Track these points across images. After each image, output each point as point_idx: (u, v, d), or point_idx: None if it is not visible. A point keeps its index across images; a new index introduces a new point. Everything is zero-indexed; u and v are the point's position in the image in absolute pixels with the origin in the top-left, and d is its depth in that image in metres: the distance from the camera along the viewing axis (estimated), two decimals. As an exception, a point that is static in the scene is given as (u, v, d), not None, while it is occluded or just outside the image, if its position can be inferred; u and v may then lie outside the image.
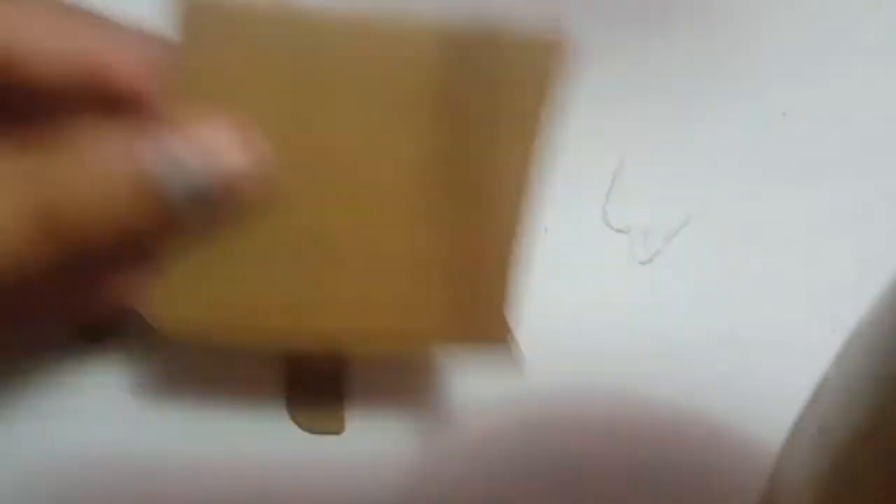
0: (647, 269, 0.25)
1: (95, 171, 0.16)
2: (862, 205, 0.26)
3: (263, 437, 0.22)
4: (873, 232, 0.23)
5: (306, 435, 0.22)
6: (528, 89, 0.18)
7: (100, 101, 0.17)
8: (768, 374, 0.23)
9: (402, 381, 0.23)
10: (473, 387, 0.23)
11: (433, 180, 0.18)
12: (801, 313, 0.24)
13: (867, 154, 0.26)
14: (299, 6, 0.17)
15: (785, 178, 0.25)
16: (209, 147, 0.17)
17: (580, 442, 0.23)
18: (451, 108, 0.18)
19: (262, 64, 0.17)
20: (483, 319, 0.19)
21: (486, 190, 0.18)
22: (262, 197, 0.18)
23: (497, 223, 0.19)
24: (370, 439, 0.22)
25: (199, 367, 0.22)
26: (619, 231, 0.25)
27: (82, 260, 0.16)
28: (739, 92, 0.27)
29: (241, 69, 0.17)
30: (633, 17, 0.27)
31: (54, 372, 0.22)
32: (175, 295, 0.18)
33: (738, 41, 0.27)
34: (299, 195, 0.18)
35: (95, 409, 0.22)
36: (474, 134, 0.18)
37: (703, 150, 0.26)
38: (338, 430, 0.22)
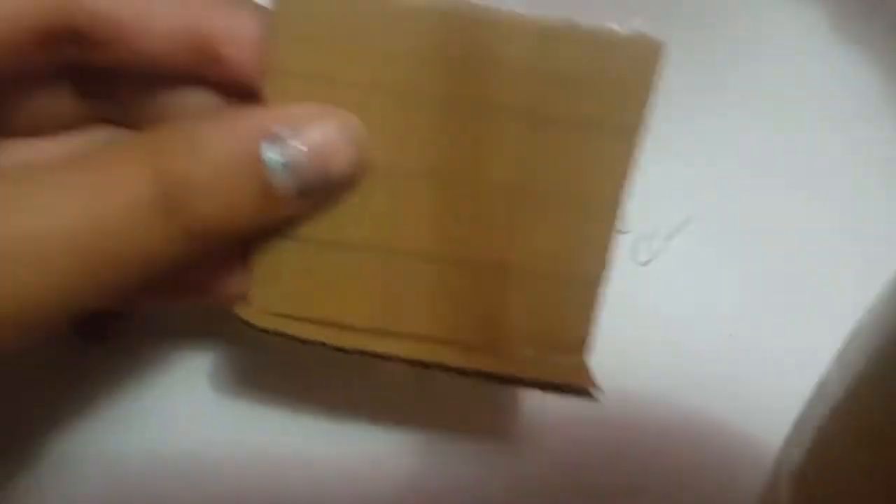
0: (647, 270, 0.25)
1: (218, 160, 0.16)
2: (862, 205, 0.26)
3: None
4: (873, 232, 0.23)
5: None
6: (623, 93, 0.17)
7: (202, 78, 0.17)
8: (769, 375, 0.23)
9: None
10: (472, 386, 0.23)
11: (521, 179, 0.18)
12: (801, 313, 0.24)
13: (867, 154, 0.26)
14: None
15: (785, 178, 0.25)
16: (323, 145, 0.16)
17: (578, 442, 0.23)
18: (546, 102, 0.17)
19: (355, 46, 0.17)
20: (565, 360, 0.19)
21: (578, 193, 0.18)
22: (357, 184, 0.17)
23: (588, 228, 0.18)
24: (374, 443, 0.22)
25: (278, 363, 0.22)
26: (620, 232, 0.25)
27: (201, 251, 0.16)
28: (741, 92, 0.27)
29: (335, 49, 0.17)
30: (635, 14, 0.27)
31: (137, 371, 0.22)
32: (268, 289, 0.18)
33: (738, 40, 0.27)
34: (387, 183, 0.18)
35: (177, 408, 0.22)
36: (566, 138, 0.18)
37: (705, 151, 0.26)
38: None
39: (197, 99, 0.17)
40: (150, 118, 0.18)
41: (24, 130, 0.18)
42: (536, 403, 0.23)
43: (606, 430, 0.23)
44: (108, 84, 0.17)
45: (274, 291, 0.18)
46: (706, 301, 0.24)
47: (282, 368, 0.23)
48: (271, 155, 0.16)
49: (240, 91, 0.17)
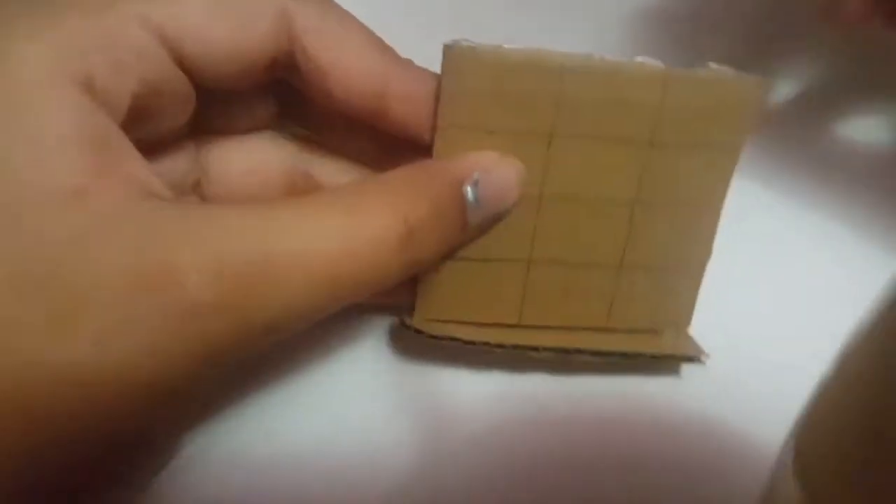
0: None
1: (440, 203, 0.19)
2: (862, 206, 0.26)
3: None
4: (873, 232, 0.23)
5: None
6: (730, 120, 0.21)
7: (365, 121, 0.20)
8: (769, 375, 0.23)
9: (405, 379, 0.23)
10: (471, 385, 0.23)
11: (642, 194, 0.21)
12: (801, 313, 0.24)
13: (867, 154, 0.26)
14: (543, 51, 0.20)
15: (785, 178, 0.25)
16: (503, 187, 0.20)
17: (578, 442, 0.23)
18: (664, 132, 0.21)
19: (508, 100, 0.20)
20: (673, 333, 0.23)
21: (688, 199, 0.22)
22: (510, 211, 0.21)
23: (692, 237, 0.22)
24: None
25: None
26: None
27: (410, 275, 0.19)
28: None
29: (494, 104, 0.20)
30: (637, 16, 0.27)
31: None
32: (431, 301, 0.22)
33: (738, 40, 0.27)
34: (531, 208, 0.21)
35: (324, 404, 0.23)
36: (681, 159, 0.21)
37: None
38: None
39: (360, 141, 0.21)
40: (318, 129, 0.22)
41: (224, 130, 0.21)
42: (533, 406, 0.23)
43: (606, 430, 0.23)
44: (297, 102, 0.20)
45: (437, 302, 0.22)
46: (705, 301, 0.24)
47: (281, 368, 0.23)
48: (470, 195, 0.19)
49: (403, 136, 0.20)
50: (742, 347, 0.24)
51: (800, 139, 0.26)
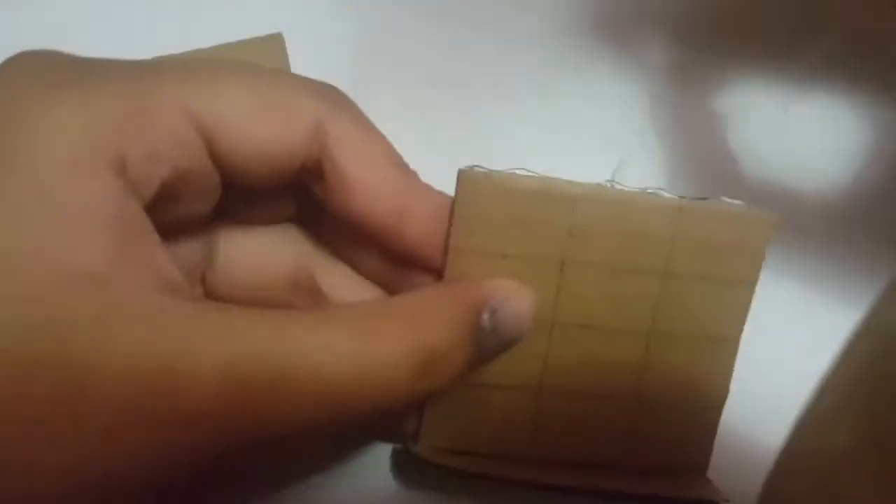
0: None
1: (455, 331, 0.18)
2: (861, 206, 0.26)
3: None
4: (872, 233, 0.23)
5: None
6: (743, 255, 0.21)
7: (379, 241, 0.20)
8: (768, 375, 0.23)
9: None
10: None
11: (657, 325, 0.21)
12: (800, 314, 0.24)
13: (866, 154, 0.26)
14: (557, 180, 0.20)
15: (784, 178, 0.25)
16: (519, 316, 0.20)
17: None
18: (678, 263, 0.21)
19: (521, 226, 0.20)
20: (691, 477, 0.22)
21: (704, 334, 0.21)
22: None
23: (709, 372, 0.22)
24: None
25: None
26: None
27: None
28: (739, 90, 0.27)
29: (507, 229, 0.20)
30: (637, 20, 0.27)
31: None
32: (437, 428, 0.21)
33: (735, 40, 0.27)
34: (542, 334, 0.21)
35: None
36: (696, 291, 0.21)
37: (702, 151, 0.26)
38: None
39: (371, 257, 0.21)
40: (330, 236, 0.22)
41: (239, 219, 0.21)
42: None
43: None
44: (315, 206, 0.20)
45: (444, 429, 0.21)
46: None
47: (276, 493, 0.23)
48: (487, 324, 0.19)
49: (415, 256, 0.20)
50: (741, 346, 0.24)
51: (798, 138, 0.26)
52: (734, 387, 0.22)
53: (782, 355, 0.24)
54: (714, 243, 0.21)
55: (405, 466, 0.23)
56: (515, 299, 0.20)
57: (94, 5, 0.26)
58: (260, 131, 0.18)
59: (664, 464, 0.22)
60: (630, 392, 0.21)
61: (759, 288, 0.24)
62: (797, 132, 0.26)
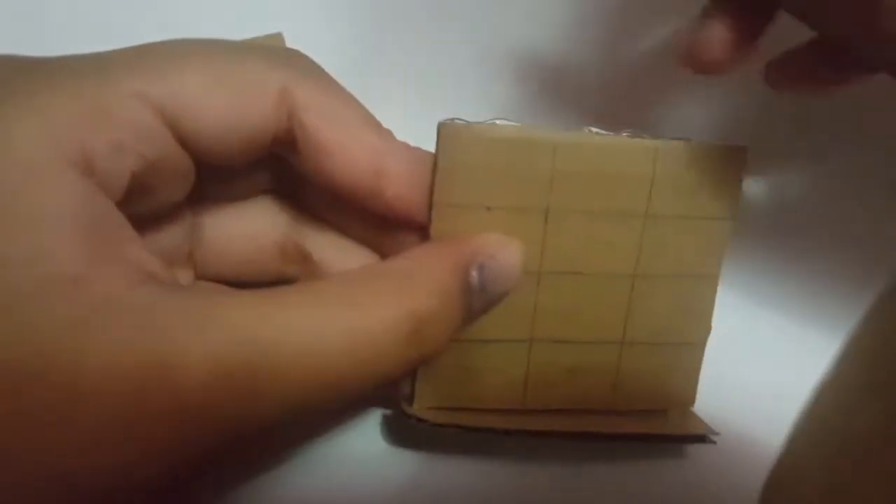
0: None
1: (446, 294, 0.18)
2: (860, 207, 0.26)
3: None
4: (872, 230, 0.23)
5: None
6: (720, 190, 0.21)
7: (359, 202, 0.20)
8: (767, 376, 0.23)
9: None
10: (473, 475, 0.23)
11: (641, 267, 0.21)
12: (799, 315, 0.24)
13: (866, 154, 0.26)
14: (536, 126, 0.20)
15: (784, 177, 0.25)
16: (508, 268, 0.20)
17: (579, 442, 0.23)
18: (658, 204, 0.21)
19: (503, 177, 0.20)
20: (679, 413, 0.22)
21: (684, 273, 0.22)
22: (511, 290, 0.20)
23: (691, 309, 0.22)
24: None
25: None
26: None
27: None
28: (738, 90, 0.27)
29: (489, 180, 0.20)
30: (639, 23, 0.27)
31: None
32: (431, 387, 0.21)
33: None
34: (530, 286, 0.21)
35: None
36: (676, 230, 0.21)
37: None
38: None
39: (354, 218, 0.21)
40: (312, 203, 0.21)
41: (220, 197, 0.21)
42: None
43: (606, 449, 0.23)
44: (293, 175, 0.20)
45: (437, 388, 0.21)
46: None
47: (268, 461, 0.23)
48: (476, 281, 0.19)
49: (397, 217, 0.20)
50: (740, 347, 0.24)
51: (798, 139, 0.26)
52: (734, 388, 0.23)
53: (781, 356, 0.24)
54: (691, 181, 0.21)
55: (396, 430, 0.23)
56: (502, 253, 0.20)
57: (93, 5, 0.26)
58: (223, 109, 0.17)
59: (653, 404, 0.23)
60: (617, 335, 0.22)
61: (756, 289, 0.24)
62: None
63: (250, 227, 0.21)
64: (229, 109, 0.17)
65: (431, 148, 0.20)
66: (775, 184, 0.26)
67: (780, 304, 0.24)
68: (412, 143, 0.20)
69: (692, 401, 0.23)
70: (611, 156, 0.20)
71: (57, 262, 0.15)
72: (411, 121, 0.20)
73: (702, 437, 0.22)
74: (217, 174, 0.19)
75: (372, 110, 0.20)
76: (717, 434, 0.22)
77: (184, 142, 0.17)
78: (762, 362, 0.24)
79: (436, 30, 0.27)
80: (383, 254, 0.21)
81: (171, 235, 0.20)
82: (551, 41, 0.27)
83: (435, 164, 0.20)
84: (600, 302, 0.21)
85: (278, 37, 0.25)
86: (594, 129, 0.20)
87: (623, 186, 0.21)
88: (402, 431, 0.23)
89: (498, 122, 0.20)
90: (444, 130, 0.19)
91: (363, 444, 0.23)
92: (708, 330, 0.22)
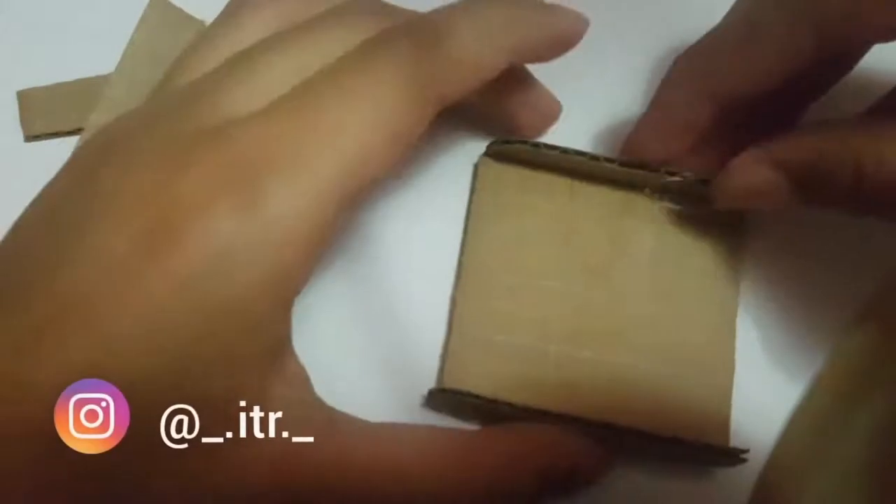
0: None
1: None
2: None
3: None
4: (870, 228, 0.23)
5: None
6: (728, 248, 0.24)
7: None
8: (758, 377, 0.23)
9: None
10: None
11: (662, 293, 0.23)
12: (796, 313, 0.24)
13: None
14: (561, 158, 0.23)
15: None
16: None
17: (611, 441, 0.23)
18: (665, 243, 0.24)
19: (533, 209, 0.24)
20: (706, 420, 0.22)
21: (700, 320, 0.23)
22: None
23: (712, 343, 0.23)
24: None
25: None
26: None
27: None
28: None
29: (519, 212, 0.24)
30: (640, 23, 0.27)
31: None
32: (465, 360, 0.22)
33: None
34: (560, 304, 0.23)
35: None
36: (687, 277, 0.23)
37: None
38: None
39: None
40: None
41: None
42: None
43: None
44: None
45: (464, 377, 0.22)
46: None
47: None
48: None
49: None
50: (740, 347, 0.24)
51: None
52: (735, 386, 0.22)
53: (780, 355, 0.23)
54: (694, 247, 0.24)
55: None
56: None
57: (93, 4, 0.27)
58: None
59: (687, 421, 0.22)
60: (648, 351, 0.23)
61: (756, 289, 0.24)
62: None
63: None
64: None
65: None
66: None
67: (776, 304, 0.24)
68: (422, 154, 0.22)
69: (725, 430, 0.22)
70: (626, 204, 0.24)
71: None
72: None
73: (731, 452, 0.21)
74: None
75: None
76: (747, 451, 0.21)
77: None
78: (751, 364, 0.23)
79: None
80: None
81: None
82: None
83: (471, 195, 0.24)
84: (617, 330, 0.23)
85: None
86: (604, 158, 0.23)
87: (635, 235, 0.23)
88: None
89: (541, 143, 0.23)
90: (481, 168, 0.24)
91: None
92: (732, 366, 0.23)
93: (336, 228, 0.18)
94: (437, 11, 0.20)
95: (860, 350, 0.15)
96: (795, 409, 0.15)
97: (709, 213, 0.23)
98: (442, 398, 0.22)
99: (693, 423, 0.22)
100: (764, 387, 0.23)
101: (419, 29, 0.19)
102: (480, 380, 0.22)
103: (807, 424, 0.15)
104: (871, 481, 0.13)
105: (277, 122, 0.17)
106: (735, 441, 0.22)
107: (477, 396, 0.21)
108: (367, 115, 0.18)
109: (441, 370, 0.23)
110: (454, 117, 0.24)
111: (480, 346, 0.22)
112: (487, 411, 0.22)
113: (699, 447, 0.21)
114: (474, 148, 0.25)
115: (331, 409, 0.20)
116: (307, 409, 0.19)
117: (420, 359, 0.23)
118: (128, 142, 0.18)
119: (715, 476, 0.23)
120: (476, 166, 0.23)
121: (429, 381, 0.23)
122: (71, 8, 0.26)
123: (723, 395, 0.22)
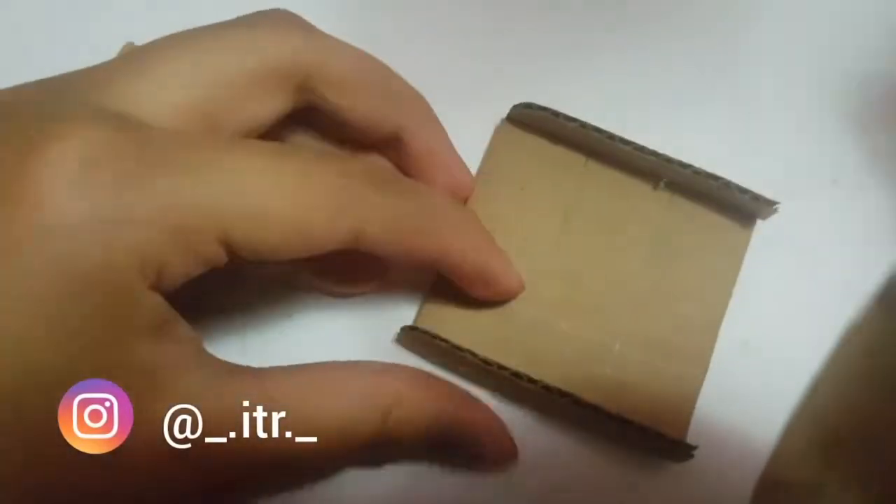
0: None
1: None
2: (858, 207, 0.25)
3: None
4: (869, 228, 0.23)
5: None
6: (732, 228, 0.24)
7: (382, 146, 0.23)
8: (760, 372, 0.23)
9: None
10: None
11: (654, 284, 0.23)
12: (795, 312, 0.24)
13: (865, 154, 0.26)
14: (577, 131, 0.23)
15: (783, 176, 0.25)
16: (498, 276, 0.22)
17: (575, 444, 0.23)
18: (665, 236, 0.24)
19: (544, 166, 0.24)
20: (670, 415, 0.22)
21: (692, 301, 0.23)
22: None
23: (691, 330, 0.23)
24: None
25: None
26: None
27: None
28: (736, 90, 0.27)
29: (527, 179, 0.24)
30: (641, 23, 0.27)
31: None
32: (442, 306, 0.23)
33: (734, 38, 0.27)
34: (549, 273, 0.23)
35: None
36: (683, 256, 0.24)
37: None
38: None
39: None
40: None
41: (241, 129, 0.21)
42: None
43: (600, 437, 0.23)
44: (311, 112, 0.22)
45: (440, 318, 0.23)
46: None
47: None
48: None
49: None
50: (738, 347, 0.24)
51: (800, 139, 0.26)
52: (733, 387, 0.23)
53: (779, 354, 0.23)
54: (699, 217, 0.24)
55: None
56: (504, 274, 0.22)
57: (92, 3, 0.27)
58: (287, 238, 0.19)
59: (650, 405, 0.22)
60: (626, 331, 0.23)
61: (754, 289, 0.24)
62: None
63: None
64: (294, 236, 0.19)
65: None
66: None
67: (774, 305, 0.24)
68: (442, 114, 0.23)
69: (684, 427, 0.22)
70: (624, 194, 0.24)
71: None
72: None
73: (683, 446, 0.21)
74: None
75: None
76: (696, 448, 0.21)
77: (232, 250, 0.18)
78: (754, 359, 0.24)
79: (446, 29, 0.27)
80: None
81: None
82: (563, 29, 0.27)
83: (490, 147, 0.25)
84: (606, 309, 0.23)
85: None
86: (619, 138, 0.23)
87: (636, 215, 0.24)
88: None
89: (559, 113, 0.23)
90: (500, 132, 0.25)
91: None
92: (705, 367, 0.23)
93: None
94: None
95: (865, 349, 0.15)
96: (798, 406, 0.15)
97: (715, 210, 0.24)
98: (412, 336, 0.23)
99: (653, 411, 0.22)
100: (761, 385, 0.23)
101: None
102: (452, 325, 0.23)
103: (809, 422, 0.15)
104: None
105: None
106: (735, 440, 0.22)
107: (444, 340, 0.22)
108: None
109: (418, 312, 0.23)
110: (478, 80, 0.25)
111: (461, 296, 0.23)
112: (452, 357, 0.22)
113: (651, 435, 0.21)
114: (500, 109, 0.25)
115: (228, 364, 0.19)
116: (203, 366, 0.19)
117: (401, 303, 0.24)
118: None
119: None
120: (496, 129, 0.24)
121: (406, 322, 0.23)
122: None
123: (690, 390, 0.22)
